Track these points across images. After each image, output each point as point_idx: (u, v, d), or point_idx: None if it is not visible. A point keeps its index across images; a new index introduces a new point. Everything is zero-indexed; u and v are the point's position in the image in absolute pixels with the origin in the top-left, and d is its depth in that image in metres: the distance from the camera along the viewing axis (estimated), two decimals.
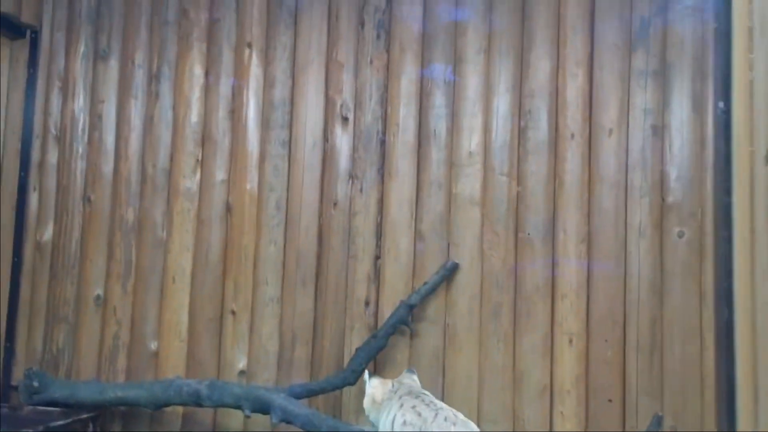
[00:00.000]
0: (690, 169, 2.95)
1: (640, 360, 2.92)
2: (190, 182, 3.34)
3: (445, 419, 2.30)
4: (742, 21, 1.06)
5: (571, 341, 2.98)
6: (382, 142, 3.23)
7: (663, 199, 2.97)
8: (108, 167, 3.42)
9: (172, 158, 3.37)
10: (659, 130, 2.98)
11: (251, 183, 3.30)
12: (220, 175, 3.33)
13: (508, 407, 2.99)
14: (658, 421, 2.61)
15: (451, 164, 3.15)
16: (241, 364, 3.20)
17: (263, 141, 3.32)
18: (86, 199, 3.42)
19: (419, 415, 2.35)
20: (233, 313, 3.24)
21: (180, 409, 3.19)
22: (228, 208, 3.31)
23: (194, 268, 3.30)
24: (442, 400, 3.04)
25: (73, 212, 3.43)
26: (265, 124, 3.32)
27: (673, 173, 2.97)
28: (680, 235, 2.95)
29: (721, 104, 1.10)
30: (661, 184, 2.98)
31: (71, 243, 3.40)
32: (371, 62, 3.26)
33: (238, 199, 3.31)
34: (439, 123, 3.18)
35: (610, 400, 2.93)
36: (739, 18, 1.07)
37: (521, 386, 3.00)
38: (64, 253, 3.40)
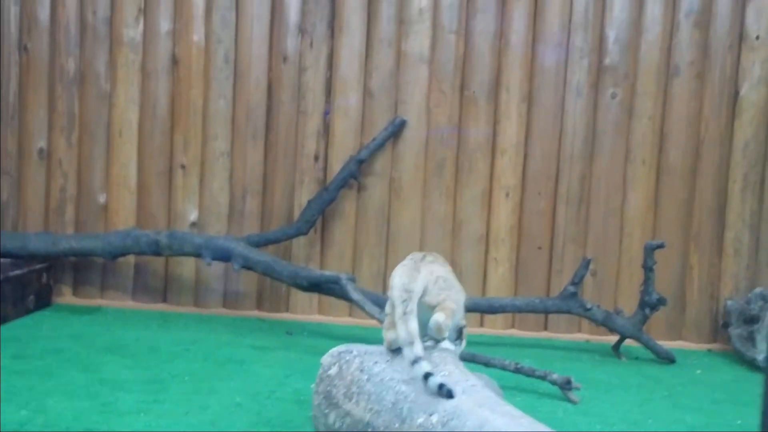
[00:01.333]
0: (627, 32, 3.12)
1: (569, 211, 3.19)
2: (133, 32, 3.26)
3: None
4: None
5: (507, 194, 3.21)
6: None
7: (600, 61, 3.14)
8: (44, 14, 3.28)
9: (112, 6, 3.26)
10: None
11: (198, 34, 3.26)
12: (165, 25, 3.26)
13: (448, 254, 3.22)
14: (586, 264, 2.90)
15: (401, 21, 3.20)
16: (193, 216, 3.28)
17: None
18: (23, 48, 3.30)
19: None
20: (183, 167, 3.28)
21: (132, 259, 3.28)
22: (175, 61, 3.27)
23: (141, 122, 3.29)
24: (387, 248, 3.26)
25: (9, 61, 3.30)
26: None
27: (611, 36, 3.13)
28: (613, 96, 3.15)
29: None
30: (600, 45, 3.14)
31: (9, 94, 3.30)
32: None
33: (185, 50, 3.26)
34: None
35: (539, 247, 3.22)
36: None
37: (460, 235, 3.24)
38: (0, 103, 3.31)
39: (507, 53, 3.18)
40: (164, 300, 3.31)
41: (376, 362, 1.77)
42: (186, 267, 3.28)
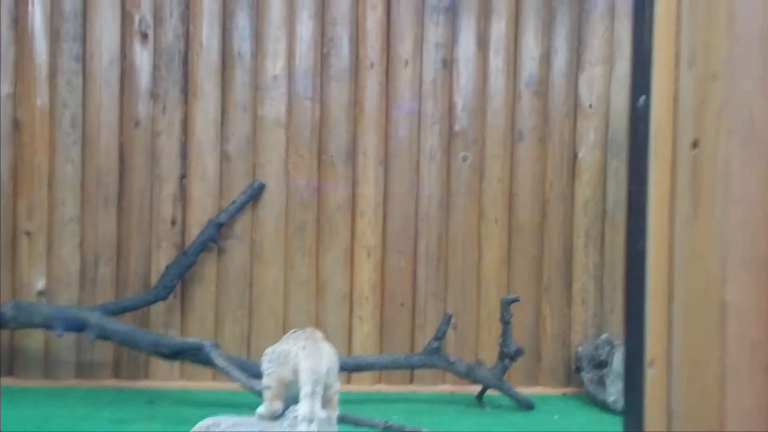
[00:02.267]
0: (474, 100, 3.31)
1: (429, 268, 3.29)
2: None
3: None
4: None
5: (369, 253, 3.27)
6: (185, 62, 3.22)
7: (451, 127, 3.31)
8: None
9: None
10: (449, 64, 3.30)
11: (42, 98, 3.13)
12: (5, 88, 3.11)
13: (312, 315, 3.22)
14: (448, 320, 2.99)
15: (257, 87, 3.23)
16: (40, 284, 3.09)
17: (53, 54, 3.14)
18: None
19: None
20: (28, 233, 3.10)
21: None
22: (16, 125, 3.12)
23: None
24: (249, 313, 3.21)
25: None
26: (54, 35, 3.14)
27: (460, 103, 3.31)
28: (464, 159, 3.32)
29: (642, 98, 1.34)
30: (450, 112, 3.31)
31: None
32: None
33: (27, 114, 3.12)
34: (243, 45, 3.23)
35: (402, 304, 3.28)
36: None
37: (324, 295, 3.24)
38: None
39: (362, 119, 3.28)
40: (10, 373, 3.06)
41: None
42: (33, 337, 3.06)
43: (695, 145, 1.20)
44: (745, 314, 1.12)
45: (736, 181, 1.13)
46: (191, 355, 2.73)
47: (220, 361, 2.63)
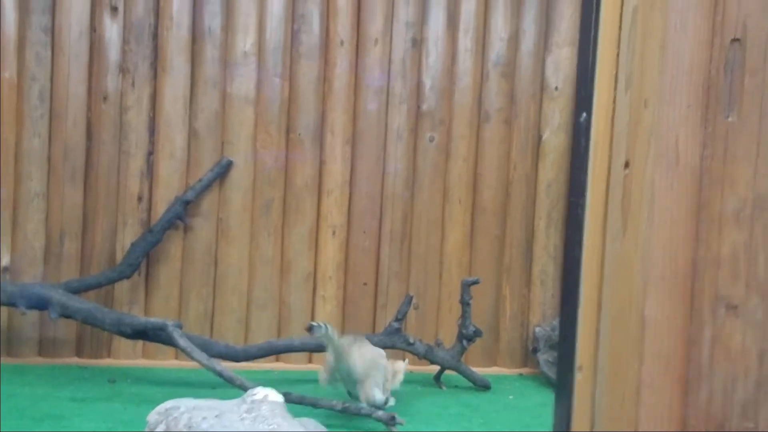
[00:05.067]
0: (442, 80, 3.33)
1: (392, 248, 3.34)
2: None
3: None
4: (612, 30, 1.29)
5: (334, 233, 3.31)
6: (155, 36, 3.20)
7: (418, 106, 3.33)
8: None
9: None
10: (418, 43, 3.31)
11: (9, 71, 3.11)
12: None
13: (276, 293, 3.26)
14: (409, 301, 3.05)
15: (226, 63, 3.22)
16: (4, 260, 3.10)
17: (22, 26, 3.11)
18: None
19: None
20: None
21: None
22: None
23: None
24: (214, 290, 3.24)
25: None
26: (23, 7, 3.11)
27: (428, 83, 3.33)
28: (431, 139, 3.35)
29: (584, 114, 1.37)
30: (418, 92, 3.33)
31: None
32: None
33: None
34: (214, 20, 3.21)
35: (365, 284, 3.33)
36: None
37: (288, 274, 3.28)
38: None
39: (331, 97, 3.29)
40: None
41: (204, 417, 1.77)
42: None
43: (627, 165, 1.25)
44: (662, 329, 1.18)
45: (660, 204, 1.18)
46: (154, 335, 2.77)
47: (181, 341, 2.67)
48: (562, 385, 1.39)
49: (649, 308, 1.18)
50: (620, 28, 1.27)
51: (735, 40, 1.14)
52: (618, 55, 1.27)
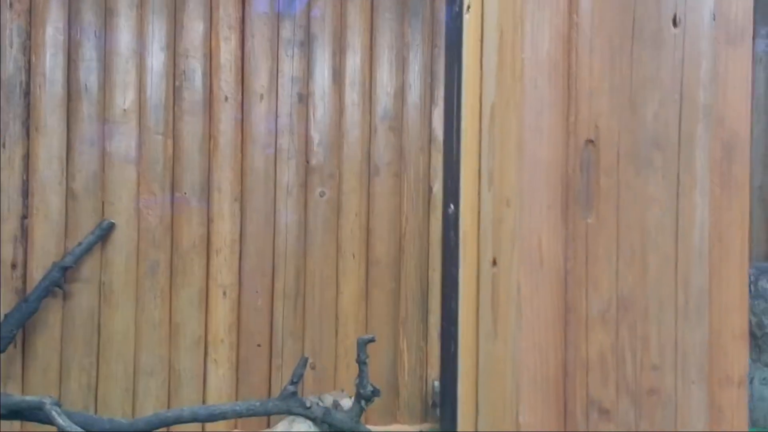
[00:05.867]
0: (330, 135, 3.30)
1: (286, 306, 3.26)
2: None
3: None
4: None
5: (225, 293, 3.21)
6: (27, 94, 3.05)
7: (307, 161, 3.29)
8: None
9: None
10: (304, 98, 3.27)
11: None
12: None
13: (165, 359, 3.13)
14: (304, 363, 2.97)
15: (105, 121, 3.10)
16: None
17: None
18: None
19: None
20: None
21: None
22: None
23: None
24: (98, 358, 3.08)
25: None
26: None
27: (316, 138, 3.30)
28: (321, 194, 3.30)
29: (451, 206, 1.34)
30: (306, 147, 3.29)
31: None
32: (11, 5, 3.02)
33: None
34: (89, 77, 3.09)
35: (259, 345, 3.24)
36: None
37: (177, 338, 3.16)
38: None
39: (217, 154, 3.20)
40: None
41: None
42: None
43: (494, 263, 1.24)
44: None
45: (526, 306, 1.17)
46: (31, 415, 2.59)
47: (60, 419, 2.50)
48: None
49: (522, 413, 1.16)
50: (480, 123, 1.26)
51: (589, 141, 1.14)
52: (479, 151, 1.26)
